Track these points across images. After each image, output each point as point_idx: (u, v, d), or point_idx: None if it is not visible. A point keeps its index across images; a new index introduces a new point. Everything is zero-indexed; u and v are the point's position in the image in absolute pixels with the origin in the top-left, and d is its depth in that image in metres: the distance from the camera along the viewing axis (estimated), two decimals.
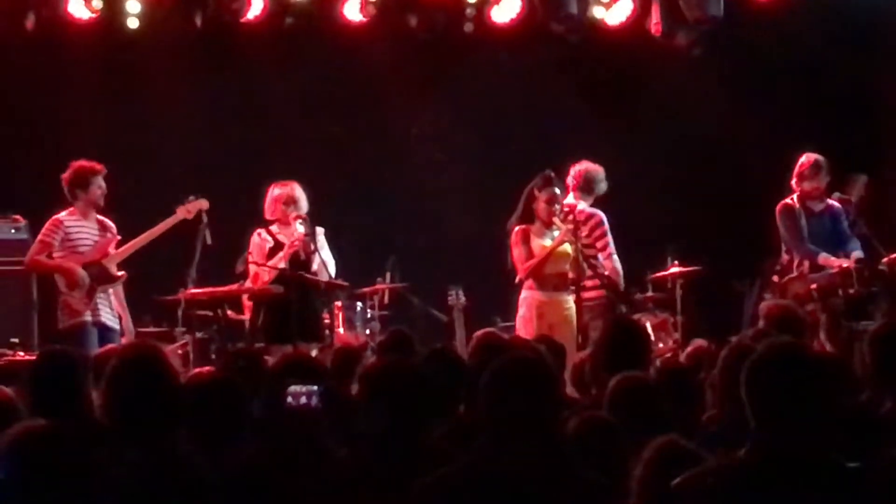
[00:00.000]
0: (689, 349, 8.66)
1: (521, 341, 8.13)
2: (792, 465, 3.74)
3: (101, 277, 10.46)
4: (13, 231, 11.34)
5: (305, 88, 13.98)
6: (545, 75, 14.29)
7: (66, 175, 10.51)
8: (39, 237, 10.56)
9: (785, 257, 11.30)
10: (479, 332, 9.90)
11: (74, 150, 10.96)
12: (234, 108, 13.89)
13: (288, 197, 10.83)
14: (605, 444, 4.93)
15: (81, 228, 10.53)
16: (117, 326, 10.56)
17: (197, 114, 13.62)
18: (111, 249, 10.55)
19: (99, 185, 10.49)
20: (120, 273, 10.56)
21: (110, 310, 10.53)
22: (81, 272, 10.35)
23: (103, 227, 10.63)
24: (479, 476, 4.09)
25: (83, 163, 10.54)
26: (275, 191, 10.91)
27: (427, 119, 14.10)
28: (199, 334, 11.12)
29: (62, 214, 10.54)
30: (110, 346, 9.06)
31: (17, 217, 11.54)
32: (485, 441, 4.17)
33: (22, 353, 10.57)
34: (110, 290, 10.56)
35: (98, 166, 10.53)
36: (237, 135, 13.76)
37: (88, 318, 10.38)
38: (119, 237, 10.63)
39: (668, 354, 8.47)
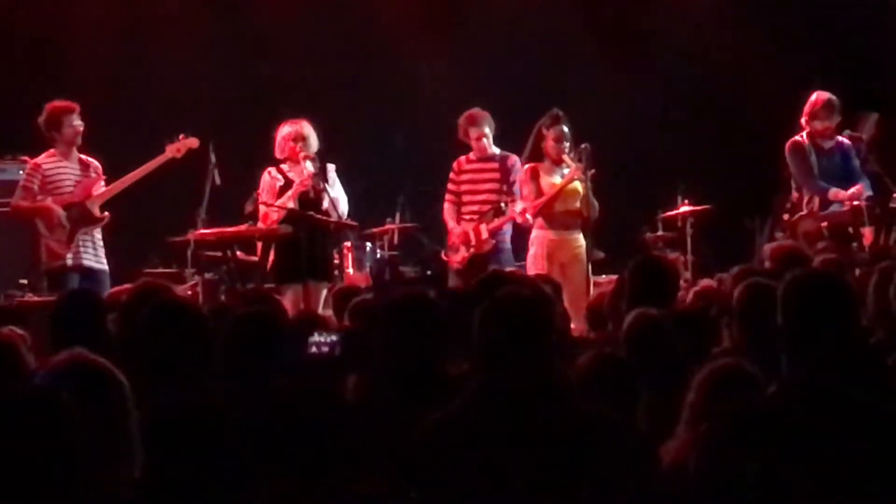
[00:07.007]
0: (695, 288, 8.60)
1: (521, 278, 8.07)
2: (822, 401, 3.72)
3: (82, 219, 10.31)
4: (21, 172, 11.27)
5: (316, 28, 13.90)
6: (555, 14, 14.19)
7: (40, 118, 10.33)
8: (20, 183, 10.46)
9: (795, 195, 11.26)
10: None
11: (85, 90, 10.88)
12: (245, 47, 13.84)
13: (297, 134, 10.67)
14: (617, 380, 4.91)
15: (62, 170, 10.36)
16: (104, 267, 10.42)
17: (207, 53, 13.58)
18: (95, 190, 10.40)
19: (71, 124, 10.28)
20: (103, 214, 10.41)
21: (95, 251, 10.39)
22: (59, 211, 10.20)
23: (86, 167, 10.45)
24: (474, 417, 4.03)
25: (55, 103, 10.34)
26: (284, 129, 10.74)
27: (437, 58, 14.02)
28: (208, 275, 11.10)
29: (41, 157, 10.42)
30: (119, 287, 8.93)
31: (26, 158, 11.42)
32: (479, 381, 4.11)
33: (31, 295, 10.55)
34: (96, 232, 10.43)
35: (70, 105, 10.32)
36: (248, 74, 13.70)
37: (70, 261, 10.27)
38: (104, 177, 10.47)
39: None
